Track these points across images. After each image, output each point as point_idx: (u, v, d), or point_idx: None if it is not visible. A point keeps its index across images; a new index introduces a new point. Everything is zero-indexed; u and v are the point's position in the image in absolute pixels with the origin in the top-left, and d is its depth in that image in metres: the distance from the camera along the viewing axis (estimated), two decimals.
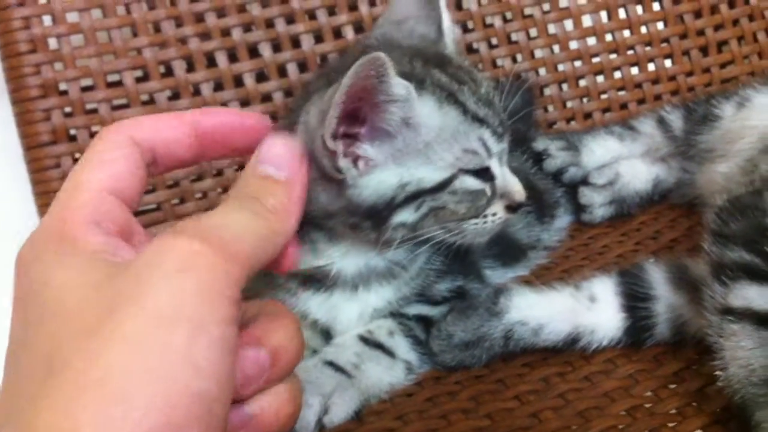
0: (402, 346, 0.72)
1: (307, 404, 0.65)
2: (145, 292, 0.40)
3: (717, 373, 0.61)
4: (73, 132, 0.96)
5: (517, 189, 0.67)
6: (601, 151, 0.98)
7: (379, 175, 0.62)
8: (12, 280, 0.46)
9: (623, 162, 0.96)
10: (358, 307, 0.73)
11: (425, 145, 0.61)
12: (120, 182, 0.49)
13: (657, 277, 0.74)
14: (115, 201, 0.48)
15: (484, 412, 0.66)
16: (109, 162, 0.49)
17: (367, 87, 0.57)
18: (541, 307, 0.73)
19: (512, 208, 0.68)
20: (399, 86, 0.58)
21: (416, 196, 0.63)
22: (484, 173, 0.65)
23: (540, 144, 0.96)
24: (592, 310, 0.73)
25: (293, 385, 0.49)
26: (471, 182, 0.64)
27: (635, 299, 0.73)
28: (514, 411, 0.66)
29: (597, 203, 0.94)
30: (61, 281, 0.43)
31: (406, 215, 0.64)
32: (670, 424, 0.61)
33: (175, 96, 1.00)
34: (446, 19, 0.72)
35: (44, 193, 0.95)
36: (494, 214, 0.67)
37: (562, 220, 0.94)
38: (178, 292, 0.41)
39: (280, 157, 0.52)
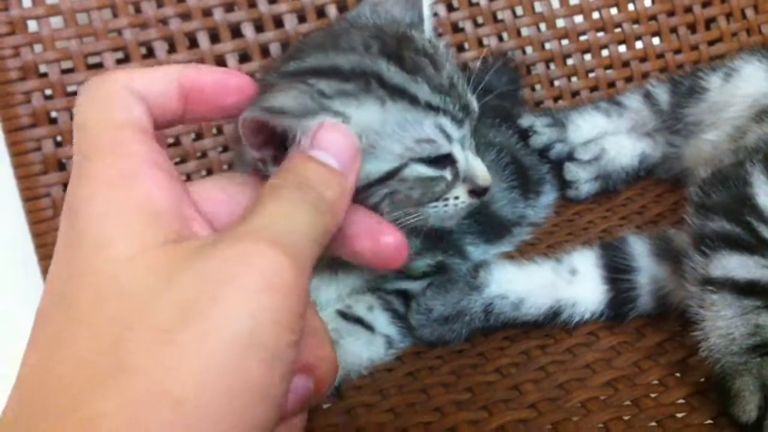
0: (381, 320, 0.71)
1: None
2: (224, 310, 0.38)
3: (699, 344, 0.61)
4: (54, 114, 0.95)
5: (480, 173, 0.64)
6: (587, 126, 0.97)
7: None
8: None
9: (609, 137, 0.96)
10: (336, 288, 0.72)
11: (368, 146, 0.58)
12: (155, 96, 0.46)
13: (639, 249, 0.73)
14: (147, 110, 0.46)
15: (464, 386, 0.65)
16: (149, 80, 0.46)
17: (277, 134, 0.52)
18: (521, 281, 0.72)
19: (476, 192, 0.65)
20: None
21: (366, 186, 0.60)
22: (443, 159, 0.62)
23: (526, 121, 0.95)
24: (572, 283, 0.72)
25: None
26: (423, 170, 0.61)
27: (617, 271, 0.72)
28: (495, 384, 0.65)
29: (582, 179, 0.93)
30: (125, 257, 0.40)
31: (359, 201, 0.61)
32: (652, 395, 0.61)
33: None
34: (426, 5, 0.70)
35: (26, 177, 0.94)
36: (456, 198, 0.64)
37: (548, 196, 0.93)
38: (259, 314, 0.38)
39: (335, 145, 0.48)
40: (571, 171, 0.93)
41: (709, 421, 0.57)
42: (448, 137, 0.61)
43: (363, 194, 0.59)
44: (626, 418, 0.58)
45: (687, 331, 0.67)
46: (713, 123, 0.84)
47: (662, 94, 0.94)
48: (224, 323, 0.38)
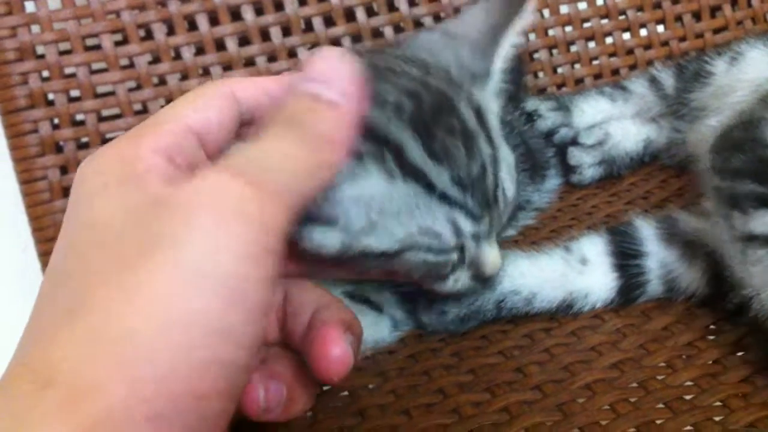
0: (390, 302, 0.70)
1: None
2: (183, 242, 0.37)
3: (709, 326, 0.60)
4: (51, 97, 0.94)
5: (489, 263, 0.60)
6: (591, 111, 0.96)
7: (318, 233, 0.52)
8: None
9: (613, 122, 0.94)
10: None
11: (367, 217, 0.53)
12: (207, 128, 0.46)
13: (647, 233, 0.72)
14: (196, 142, 0.45)
15: (466, 368, 0.64)
16: (203, 106, 0.46)
17: None
18: (533, 274, 0.71)
19: (478, 278, 0.62)
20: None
21: (364, 255, 0.55)
22: (449, 249, 0.58)
23: (530, 105, 0.94)
24: (584, 273, 0.71)
25: None
26: (425, 256, 0.56)
27: (626, 257, 0.71)
28: (498, 366, 0.64)
29: (586, 164, 0.92)
30: (103, 217, 0.39)
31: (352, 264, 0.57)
32: (659, 377, 0.59)
33: (156, 60, 0.97)
34: (500, 59, 0.62)
35: (22, 159, 0.93)
36: (456, 280, 0.61)
37: (552, 181, 0.92)
38: (227, 247, 0.37)
39: (331, 74, 0.45)
40: (575, 156, 0.92)
41: (719, 403, 0.56)
42: (459, 232, 0.56)
43: (358, 261, 0.55)
44: (633, 399, 0.57)
45: (694, 315, 0.66)
46: (718, 108, 0.83)
47: (667, 78, 0.93)
48: (183, 255, 0.37)
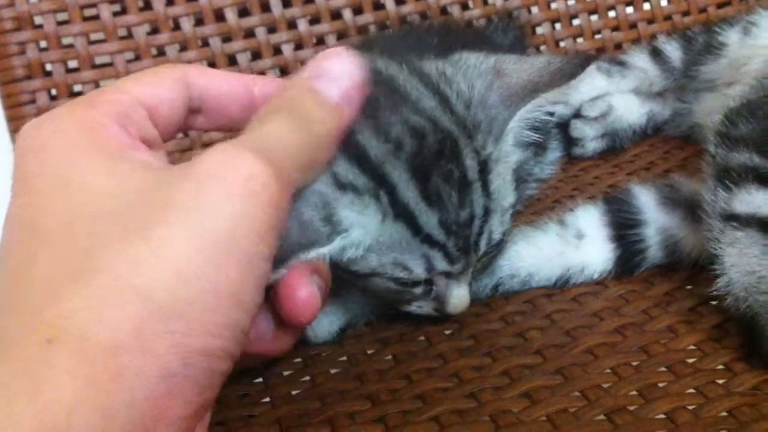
0: None
1: None
2: (204, 209, 0.37)
3: (713, 288, 0.58)
4: (48, 67, 0.94)
5: (452, 304, 0.60)
6: (586, 89, 0.94)
7: None
8: None
9: (616, 94, 0.93)
10: None
11: (352, 238, 0.53)
12: (157, 105, 0.46)
13: (645, 201, 0.70)
14: (147, 116, 0.45)
15: (467, 334, 0.63)
16: (152, 83, 0.46)
17: None
18: (530, 255, 0.69)
19: (439, 311, 0.61)
20: None
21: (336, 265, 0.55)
22: (417, 283, 0.58)
23: None
24: (580, 248, 0.69)
25: None
26: (392, 285, 0.57)
27: (624, 227, 0.70)
28: (499, 331, 0.63)
29: (589, 136, 0.91)
30: (98, 186, 0.39)
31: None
32: (662, 341, 0.59)
33: (154, 31, 0.97)
34: (519, 120, 0.58)
35: (19, 130, 0.92)
36: (420, 307, 0.61)
37: (554, 152, 0.91)
38: (239, 219, 0.38)
39: (339, 77, 0.47)
40: (578, 128, 0.91)
41: (721, 366, 0.55)
42: (431, 269, 0.56)
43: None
44: (635, 363, 0.56)
45: (697, 280, 0.65)
46: (732, 78, 0.81)
47: (674, 51, 0.92)
48: (204, 221, 0.37)
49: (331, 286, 0.53)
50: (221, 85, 0.49)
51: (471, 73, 0.58)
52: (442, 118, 0.55)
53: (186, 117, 0.49)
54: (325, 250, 0.51)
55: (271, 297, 0.49)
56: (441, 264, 0.56)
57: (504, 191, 0.58)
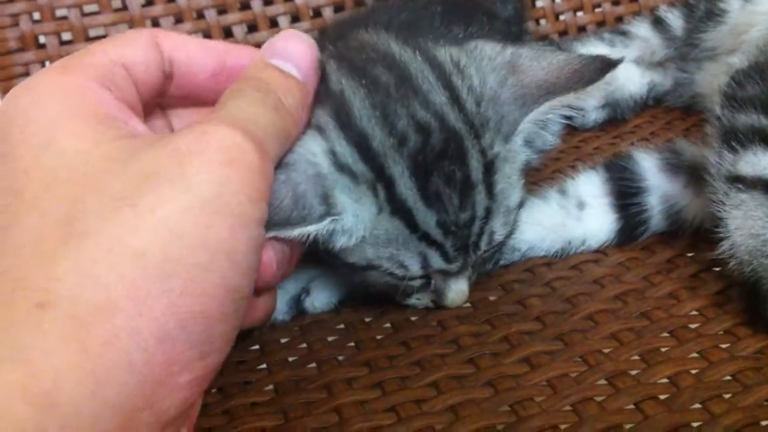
0: None
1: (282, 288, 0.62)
2: (189, 177, 0.38)
3: (717, 252, 0.57)
4: (42, 39, 0.92)
5: (450, 298, 0.59)
6: None
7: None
8: None
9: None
10: None
11: (348, 230, 0.53)
12: (133, 66, 0.45)
13: (647, 166, 0.69)
14: (127, 77, 0.45)
15: (467, 301, 0.62)
16: (126, 45, 0.46)
17: None
18: (531, 228, 0.68)
19: (437, 304, 0.60)
20: None
21: (327, 252, 0.55)
22: (414, 278, 0.57)
23: None
24: (582, 219, 0.68)
25: None
26: (388, 279, 0.56)
27: (626, 196, 0.68)
28: (499, 299, 0.62)
29: (590, 106, 0.90)
30: (75, 150, 0.39)
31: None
32: (664, 307, 0.58)
33: (149, 2, 0.96)
34: (530, 122, 0.56)
35: None
36: (419, 299, 0.61)
37: (556, 125, 0.89)
38: (224, 183, 0.38)
39: (296, 55, 0.49)
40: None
41: (724, 331, 0.54)
42: (427, 266, 0.55)
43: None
44: (636, 329, 0.56)
45: (700, 247, 0.64)
46: (734, 45, 0.80)
47: (675, 19, 0.90)
48: (189, 187, 0.37)
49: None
50: (191, 51, 0.49)
51: (485, 66, 0.56)
52: (450, 115, 0.53)
53: (161, 83, 0.48)
54: (312, 229, 0.50)
55: None
56: (438, 262, 0.55)
57: (509, 191, 0.56)
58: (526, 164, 0.82)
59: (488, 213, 0.55)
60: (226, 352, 0.40)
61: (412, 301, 0.61)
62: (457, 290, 0.59)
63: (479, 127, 0.54)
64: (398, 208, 0.52)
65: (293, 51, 0.48)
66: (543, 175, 0.81)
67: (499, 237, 0.57)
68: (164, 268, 0.36)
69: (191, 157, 0.38)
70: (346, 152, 0.51)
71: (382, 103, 0.52)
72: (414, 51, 0.57)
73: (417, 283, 0.58)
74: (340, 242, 0.53)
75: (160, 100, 0.50)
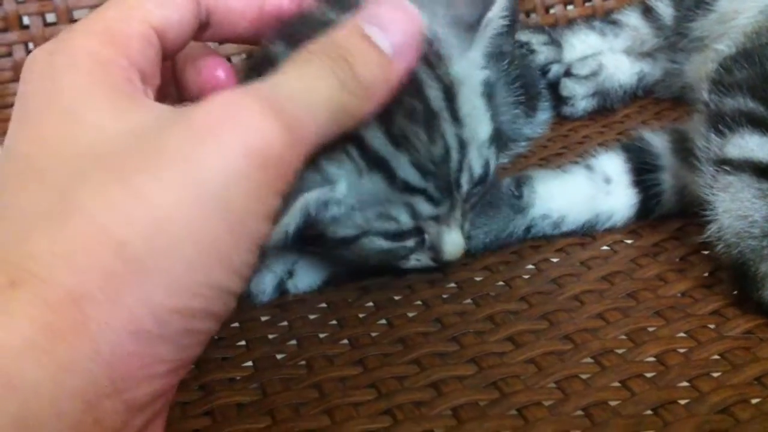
0: None
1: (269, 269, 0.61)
2: (196, 161, 0.34)
3: (705, 235, 0.56)
4: (26, 20, 0.91)
5: (447, 249, 0.58)
6: (581, 47, 0.93)
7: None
8: None
9: (607, 54, 0.92)
10: None
11: (333, 215, 0.53)
12: (168, 25, 0.43)
13: (661, 146, 0.69)
14: (158, 45, 0.43)
15: (451, 282, 0.61)
16: (163, 4, 0.43)
17: None
18: (562, 196, 0.67)
19: (437, 260, 0.59)
20: None
21: (322, 239, 0.55)
22: (407, 233, 0.56)
23: (523, 36, 0.91)
24: (610, 194, 0.67)
25: None
26: (381, 243, 0.55)
27: (643, 172, 0.68)
28: (484, 280, 0.61)
29: (579, 95, 0.89)
30: (100, 127, 0.37)
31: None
32: (651, 288, 0.57)
33: None
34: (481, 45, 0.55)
35: None
36: (418, 260, 0.60)
37: (545, 113, 0.89)
38: (233, 177, 0.35)
39: (394, 26, 0.42)
40: (568, 86, 0.89)
41: (713, 312, 0.54)
42: (417, 216, 0.54)
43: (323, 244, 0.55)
44: (623, 309, 0.55)
45: (687, 231, 0.64)
46: (722, 34, 0.80)
47: (665, 8, 0.90)
48: (192, 174, 0.34)
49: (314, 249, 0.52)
50: (230, 2, 0.46)
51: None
52: None
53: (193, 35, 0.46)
54: (315, 195, 0.49)
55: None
56: (425, 208, 0.54)
57: (477, 119, 0.55)
58: (514, 152, 0.82)
59: (462, 145, 0.53)
60: (206, 343, 0.38)
61: (412, 262, 0.60)
62: (452, 242, 0.57)
63: (431, 54, 0.52)
64: (373, 163, 0.51)
65: (391, 21, 0.42)
66: (528, 162, 0.80)
67: (477, 170, 0.55)
68: (144, 260, 0.33)
69: (206, 139, 0.35)
70: None
71: None
72: None
73: (411, 243, 0.57)
74: (332, 211, 0.52)
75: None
